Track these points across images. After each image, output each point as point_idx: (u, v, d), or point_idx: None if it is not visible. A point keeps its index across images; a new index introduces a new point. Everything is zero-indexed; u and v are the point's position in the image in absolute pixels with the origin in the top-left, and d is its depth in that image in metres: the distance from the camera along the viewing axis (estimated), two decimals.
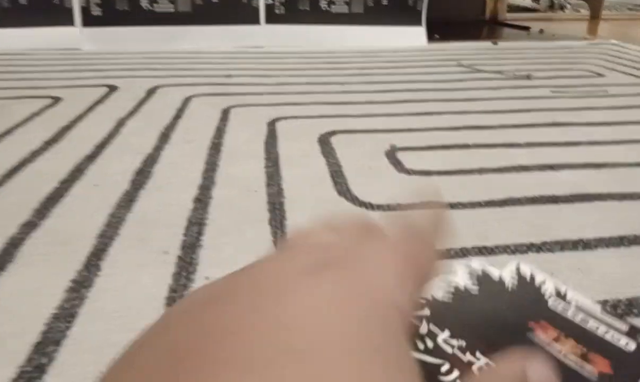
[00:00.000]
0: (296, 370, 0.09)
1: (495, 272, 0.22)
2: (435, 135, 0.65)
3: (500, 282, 0.21)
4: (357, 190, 0.49)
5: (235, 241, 0.40)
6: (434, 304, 0.20)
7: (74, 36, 1.30)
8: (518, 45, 1.43)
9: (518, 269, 0.22)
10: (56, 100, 0.81)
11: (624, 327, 0.21)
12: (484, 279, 0.22)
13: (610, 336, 0.20)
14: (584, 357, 0.19)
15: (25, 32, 1.28)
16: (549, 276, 0.22)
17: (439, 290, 0.21)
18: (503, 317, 0.20)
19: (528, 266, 0.23)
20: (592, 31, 1.56)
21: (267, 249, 0.39)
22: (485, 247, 0.38)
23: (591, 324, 0.21)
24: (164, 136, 0.65)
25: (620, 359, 0.20)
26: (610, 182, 0.50)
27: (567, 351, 0.19)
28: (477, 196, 0.47)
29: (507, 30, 1.84)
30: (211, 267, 0.36)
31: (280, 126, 0.69)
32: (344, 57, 1.21)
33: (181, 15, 1.37)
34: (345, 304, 0.11)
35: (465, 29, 1.81)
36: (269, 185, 0.50)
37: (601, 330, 0.20)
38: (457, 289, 0.21)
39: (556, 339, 0.19)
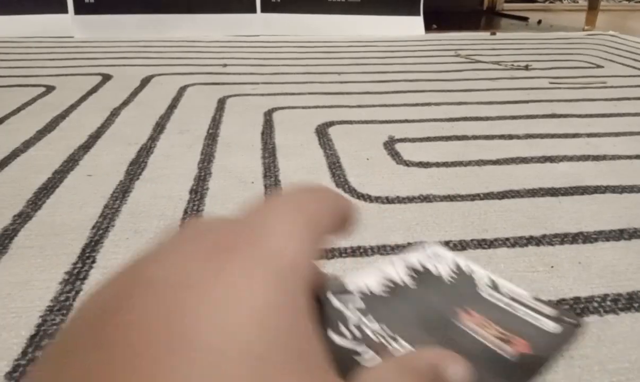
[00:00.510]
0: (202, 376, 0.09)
1: (434, 268, 0.22)
2: (433, 126, 0.65)
3: (439, 276, 0.21)
4: (355, 181, 0.48)
5: None
6: (369, 297, 0.20)
7: (66, 24, 1.28)
8: (516, 35, 1.42)
9: (457, 264, 0.23)
10: (49, 89, 0.80)
11: (554, 313, 0.21)
12: (423, 275, 0.22)
13: (536, 321, 0.21)
14: (505, 339, 0.20)
15: (17, 20, 1.26)
16: (487, 271, 0.23)
17: (376, 284, 0.21)
18: (435, 309, 0.21)
19: (467, 260, 0.23)
20: (591, 22, 1.55)
21: None
22: (484, 240, 0.38)
23: (520, 312, 0.21)
24: (159, 126, 0.64)
25: (540, 340, 0.21)
26: (609, 174, 0.50)
27: (489, 334, 0.20)
28: (475, 188, 0.47)
29: (505, 21, 1.83)
30: None
31: (276, 116, 0.68)
32: (340, 47, 1.20)
33: (176, 3, 1.35)
34: (247, 293, 0.11)
35: (463, 19, 1.80)
36: (265, 176, 0.50)
37: (529, 316, 0.21)
38: (395, 284, 0.21)
39: (481, 325, 0.20)
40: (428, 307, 0.20)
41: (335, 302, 0.18)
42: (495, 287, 0.21)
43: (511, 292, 0.21)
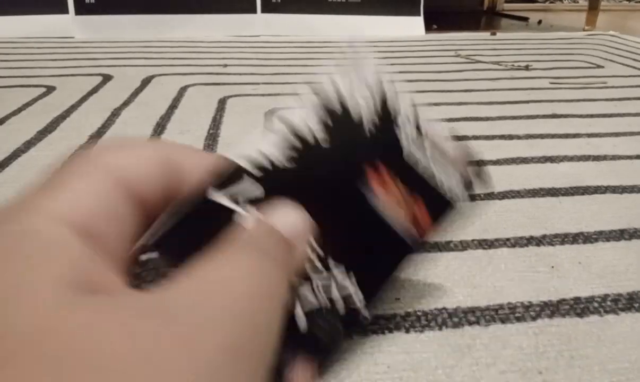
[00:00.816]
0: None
1: (356, 108, 0.17)
2: None
3: (359, 124, 0.17)
4: None
5: None
6: (267, 174, 0.16)
7: (66, 24, 1.28)
8: (516, 35, 1.42)
9: (385, 98, 0.17)
10: (50, 89, 0.80)
11: (459, 178, 0.20)
12: (340, 122, 0.17)
13: (443, 190, 0.20)
14: (414, 217, 0.19)
15: (17, 20, 1.27)
16: (416, 108, 0.19)
17: (279, 149, 0.16)
18: (339, 174, 0.17)
19: (407, 101, 0.19)
20: (591, 22, 1.55)
21: None
22: (484, 240, 0.38)
23: (429, 172, 0.19)
24: (160, 127, 0.64)
25: (440, 213, 0.20)
26: (609, 175, 0.50)
27: (392, 202, 0.18)
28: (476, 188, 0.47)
29: (505, 21, 1.83)
30: None
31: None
32: (341, 47, 1.20)
33: (176, 3, 1.35)
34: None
35: (463, 19, 1.80)
36: None
37: (437, 180, 0.20)
38: (303, 141, 0.17)
39: (387, 186, 0.18)
40: (333, 173, 0.17)
41: (226, 202, 0.16)
42: (419, 137, 0.19)
43: (433, 143, 0.19)
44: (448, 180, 0.19)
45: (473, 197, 0.19)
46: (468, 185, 0.20)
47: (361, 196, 0.17)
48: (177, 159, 0.16)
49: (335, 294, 0.17)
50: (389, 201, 0.18)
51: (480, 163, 0.20)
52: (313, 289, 0.16)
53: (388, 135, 0.18)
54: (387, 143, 0.18)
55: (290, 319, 0.16)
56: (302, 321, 0.17)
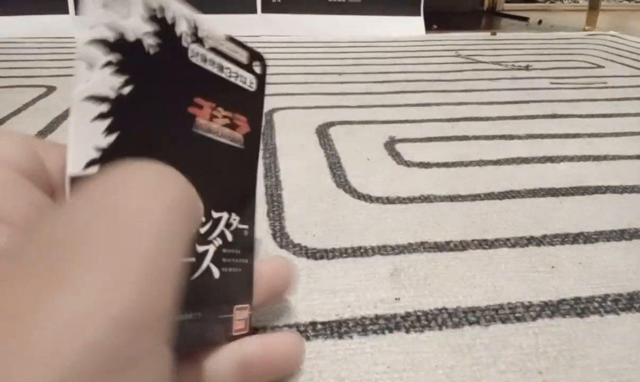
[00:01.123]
0: None
1: (129, 30, 0.15)
2: (434, 126, 0.65)
3: (139, 45, 0.16)
4: (355, 182, 0.48)
5: None
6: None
7: (67, 24, 1.28)
8: (517, 36, 1.42)
9: (147, 5, 0.16)
10: (50, 89, 0.80)
11: (245, 58, 0.21)
12: (128, 55, 0.15)
13: (241, 81, 0.21)
14: (232, 125, 0.20)
15: (18, 20, 1.27)
16: (179, 7, 0.17)
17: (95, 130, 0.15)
18: (166, 110, 0.17)
19: None
20: (591, 22, 1.55)
21: (265, 241, 0.38)
22: (485, 241, 0.38)
23: (226, 72, 0.20)
24: None
25: (251, 107, 0.21)
26: (609, 175, 0.50)
27: (219, 125, 0.19)
28: (476, 188, 0.47)
29: (505, 21, 1.83)
30: None
31: (277, 117, 0.68)
32: (341, 47, 1.20)
33: None
34: None
35: (463, 19, 1.80)
36: (266, 176, 0.50)
37: (233, 75, 0.21)
38: (113, 99, 0.15)
39: (212, 117, 0.19)
40: (158, 113, 0.17)
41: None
42: (196, 35, 0.19)
43: (211, 38, 0.20)
44: (235, 70, 0.21)
45: (262, 77, 0.22)
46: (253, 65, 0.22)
47: (199, 137, 0.19)
48: (39, 148, 0.16)
49: (229, 235, 0.20)
50: (212, 125, 0.19)
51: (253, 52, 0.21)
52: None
53: (171, 47, 0.17)
54: (176, 59, 0.18)
55: (204, 273, 0.18)
56: (215, 270, 0.19)
